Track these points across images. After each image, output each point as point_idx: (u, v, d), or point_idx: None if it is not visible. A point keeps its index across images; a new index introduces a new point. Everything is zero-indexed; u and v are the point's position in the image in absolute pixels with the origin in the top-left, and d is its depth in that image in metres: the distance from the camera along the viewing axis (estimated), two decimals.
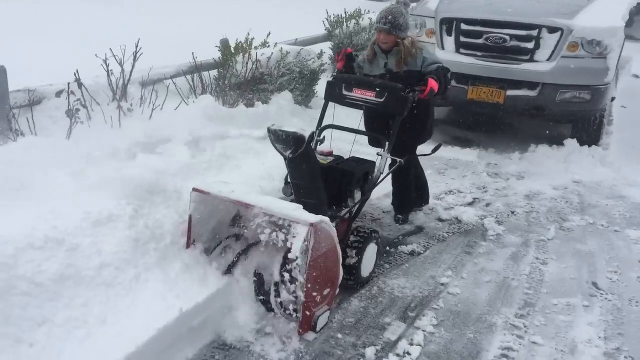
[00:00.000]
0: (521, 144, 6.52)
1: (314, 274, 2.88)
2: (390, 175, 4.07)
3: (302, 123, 5.72)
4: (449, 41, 6.31)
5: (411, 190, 4.48)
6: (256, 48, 6.40)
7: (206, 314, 2.88)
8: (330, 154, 3.85)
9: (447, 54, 6.25)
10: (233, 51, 6.26)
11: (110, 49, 4.87)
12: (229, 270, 3.13)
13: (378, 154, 3.79)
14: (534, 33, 5.91)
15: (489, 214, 4.78)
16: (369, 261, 3.54)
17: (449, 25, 6.31)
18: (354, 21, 9.09)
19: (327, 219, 2.95)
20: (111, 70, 4.90)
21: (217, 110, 5.23)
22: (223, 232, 3.34)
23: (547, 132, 6.88)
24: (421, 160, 4.49)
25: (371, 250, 3.55)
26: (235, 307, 3.03)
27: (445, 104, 6.71)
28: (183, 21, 9.54)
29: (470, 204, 4.98)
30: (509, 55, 6.03)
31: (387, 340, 3.02)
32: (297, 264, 2.86)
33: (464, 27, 6.21)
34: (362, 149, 4.29)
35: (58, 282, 2.48)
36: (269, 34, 6.58)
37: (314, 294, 2.95)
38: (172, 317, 2.64)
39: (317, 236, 2.84)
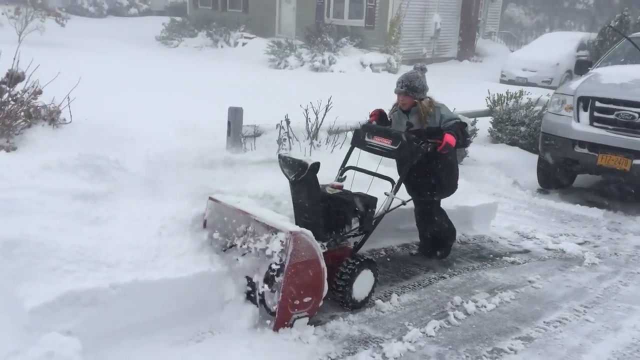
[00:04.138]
0: None
1: (293, 279, 3.16)
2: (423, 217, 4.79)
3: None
4: (584, 115, 7.36)
5: (442, 230, 4.89)
6: None
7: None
8: (339, 187, 4.23)
9: (582, 126, 7.31)
10: None
11: (310, 103, 6.87)
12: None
13: (385, 193, 4.23)
14: None
15: (593, 251, 5.70)
16: (362, 285, 3.86)
17: (585, 102, 7.38)
18: (513, 100, 10.37)
19: (309, 232, 3.25)
20: (308, 118, 6.89)
21: None
22: (232, 238, 3.71)
23: None
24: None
25: (364, 275, 3.84)
26: None
27: (578, 170, 7.69)
28: (364, 94, 11.65)
29: (580, 244, 5.91)
30: (636, 129, 6.93)
31: (472, 299, 4.29)
32: (277, 266, 3.23)
33: (598, 104, 7.25)
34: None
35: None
36: None
37: (293, 297, 3.22)
38: None
39: (296, 244, 3.14)
